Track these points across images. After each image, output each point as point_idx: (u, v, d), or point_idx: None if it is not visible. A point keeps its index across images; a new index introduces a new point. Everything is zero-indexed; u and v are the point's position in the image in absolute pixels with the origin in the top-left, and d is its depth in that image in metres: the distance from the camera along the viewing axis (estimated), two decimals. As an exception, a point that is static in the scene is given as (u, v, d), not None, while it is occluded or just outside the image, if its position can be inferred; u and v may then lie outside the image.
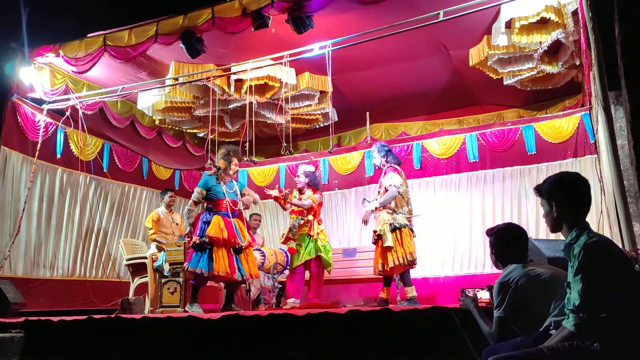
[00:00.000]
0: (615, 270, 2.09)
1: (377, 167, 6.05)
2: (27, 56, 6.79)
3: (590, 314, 2.03)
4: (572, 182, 2.30)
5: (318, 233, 6.04)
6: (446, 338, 3.32)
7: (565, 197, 2.27)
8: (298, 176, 6.32)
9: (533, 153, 7.56)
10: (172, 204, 7.48)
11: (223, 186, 5.71)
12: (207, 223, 5.51)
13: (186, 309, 5.51)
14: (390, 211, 5.53)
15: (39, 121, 7.13)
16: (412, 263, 5.45)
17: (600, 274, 2.06)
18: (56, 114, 7.34)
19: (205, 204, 5.81)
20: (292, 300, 5.89)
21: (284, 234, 6.25)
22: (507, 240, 2.81)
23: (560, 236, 2.35)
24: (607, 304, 2.02)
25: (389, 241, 5.37)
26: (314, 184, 6.24)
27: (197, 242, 5.43)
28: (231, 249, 5.58)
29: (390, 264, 5.37)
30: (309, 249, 5.96)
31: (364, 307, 5.60)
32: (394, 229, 5.44)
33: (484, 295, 3.08)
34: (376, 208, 5.55)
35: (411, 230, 5.59)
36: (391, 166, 5.75)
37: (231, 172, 5.81)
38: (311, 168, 6.57)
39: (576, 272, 2.10)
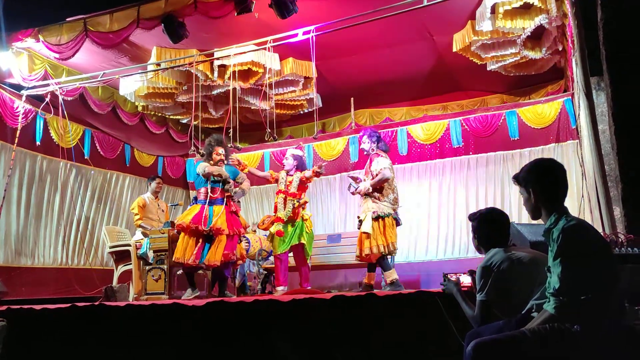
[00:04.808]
0: (593, 253, 2.12)
1: (365, 153, 6.01)
2: (4, 41, 6.63)
3: (570, 297, 2.06)
4: (547, 168, 2.33)
5: (305, 219, 6.05)
6: (433, 323, 3.34)
7: (541, 183, 2.30)
8: (287, 159, 6.32)
9: (516, 138, 7.63)
10: (159, 191, 7.42)
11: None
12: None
13: (183, 297, 5.51)
14: (376, 200, 5.54)
15: (17, 107, 7.00)
16: (391, 253, 5.46)
17: (579, 257, 2.09)
18: (35, 100, 7.20)
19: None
20: (281, 288, 5.85)
21: (264, 219, 6.23)
22: (489, 225, 2.84)
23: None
24: (587, 286, 2.05)
25: (368, 227, 5.37)
26: (302, 168, 6.25)
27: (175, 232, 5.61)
28: (202, 236, 5.56)
29: (366, 251, 5.37)
30: (296, 234, 5.94)
31: (349, 292, 5.63)
32: (377, 218, 5.45)
33: (466, 279, 3.11)
34: (368, 194, 5.53)
35: (395, 219, 5.60)
36: (377, 153, 5.75)
37: (212, 162, 5.78)
38: (299, 152, 6.57)
39: (555, 256, 2.12)
